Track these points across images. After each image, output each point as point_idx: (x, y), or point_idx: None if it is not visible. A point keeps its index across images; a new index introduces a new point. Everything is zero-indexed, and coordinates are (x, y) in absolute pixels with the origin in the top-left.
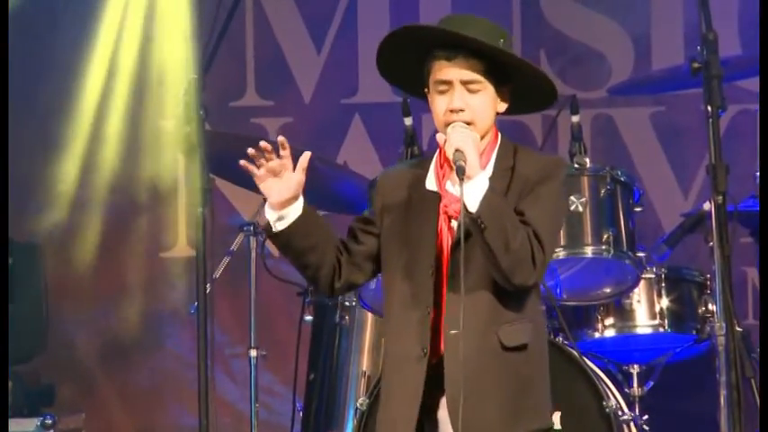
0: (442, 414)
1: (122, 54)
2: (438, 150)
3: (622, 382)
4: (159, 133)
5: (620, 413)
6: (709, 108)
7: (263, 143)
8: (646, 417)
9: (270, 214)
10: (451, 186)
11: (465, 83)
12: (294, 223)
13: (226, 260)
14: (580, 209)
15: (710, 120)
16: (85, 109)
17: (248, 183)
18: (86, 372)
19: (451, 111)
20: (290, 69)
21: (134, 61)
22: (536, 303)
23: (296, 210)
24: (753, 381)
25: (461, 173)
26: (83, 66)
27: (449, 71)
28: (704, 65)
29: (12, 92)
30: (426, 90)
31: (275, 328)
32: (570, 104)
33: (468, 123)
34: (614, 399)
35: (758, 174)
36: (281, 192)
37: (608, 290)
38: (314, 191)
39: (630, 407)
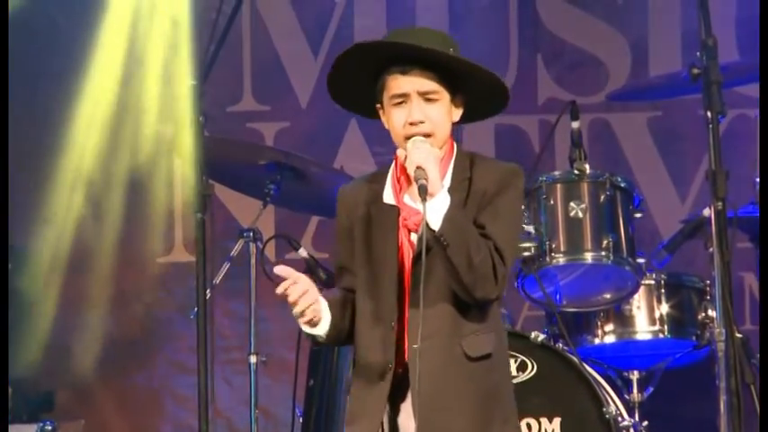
0: (404, 420)
1: (122, 60)
2: (393, 163)
3: (622, 388)
4: (158, 138)
5: (619, 419)
6: (709, 114)
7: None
8: (645, 423)
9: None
10: (411, 200)
11: (422, 94)
12: (331, 325)
13: (226, 266)
14: (580, 215)
15: (710, 125)
16: (84, 113)
17: (245, 188)
18: (85, 378)
19: (411, 123)
20: (286, 74)
21: (134, 67)
22: (497, 313)
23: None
24: (752, 386)
25: (424, 192)
26: (82, 70)
27: (405, 84)
28: (704, 70)
29: (11, 95)
30: (379, 107)
31: (275, 334)
32: (570, 110)
33: (428, 135)
34: (614, 405)
35: (757, 180)
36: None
37: (608, 296)
38: (310, 196)
39: (630, 413)
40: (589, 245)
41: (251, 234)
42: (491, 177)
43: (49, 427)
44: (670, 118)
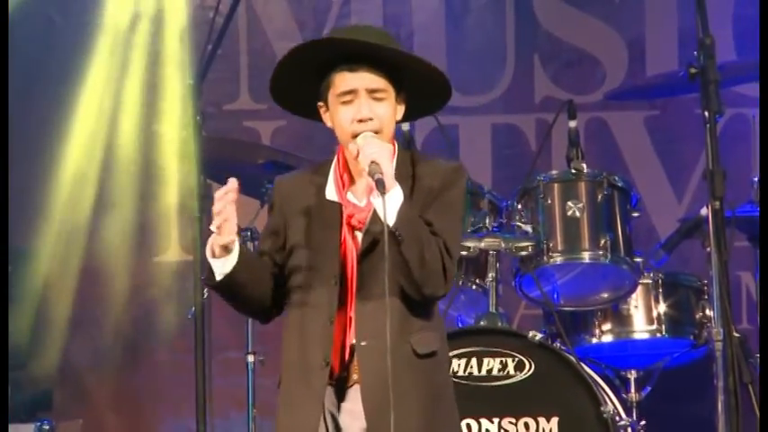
0: (346, 419)
1: (120, 59)
2: (336, 159)
3: (620, 388)
4: (155, 138)
5: (617, 418)
6: (707, 113)
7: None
8: (643, 422)
9: (216, 263)
10: (355, 198)
11: (370, 91)
12: (238, 261)
13: None
14: (577, 214)
15: (708, 125)
16: (82, 114)
17: (243, 188)
18: (83, 377)
19: (360, 120)
20: None
21: (131, 66)
22: (438, 312)
23: (234, 250)
24: (750, 386)
25: (382, 186)
26: (80, 70)
27: (353, 81)
28: (701, 70)
29: (10, 96)
30: (321, 105)
31: (272, 334)
32: (567, 109)
33: (376, 132)
34: (612, 404)
35: (756, 179)
36: (231, 232)
37: (605, 295)
38: None
39: (628, 412)
40: (586, 244)
41: (248, 233)
42: (435, 175)
43: (47, 427)
44: (667, 117)
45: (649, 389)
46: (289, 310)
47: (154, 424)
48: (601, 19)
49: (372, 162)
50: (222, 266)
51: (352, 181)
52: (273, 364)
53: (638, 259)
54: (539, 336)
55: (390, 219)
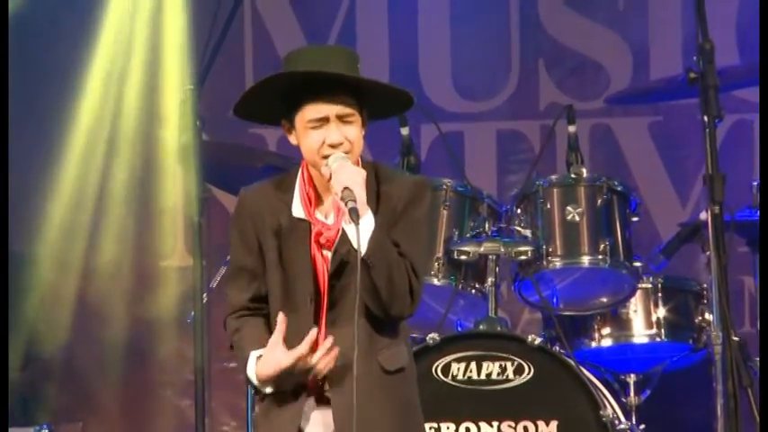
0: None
1: (121, 61)
2: (300, 175)
3: (619, 392)
4: (157, 142)
5: (616, 422)
6: (706, 118)
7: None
8: (643, 426)
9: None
10: (323, 217)
11: (340, 117)
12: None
13: (223, 269)
14: (577, 219)
15: (707, 130)
16: (83, 116)
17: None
18: (83, 380)
19: (331, 145)
20: None
21: (133, 69)
22: (406, 327)
23: None
24: (749, 390)
25: (356, 215)
26: (82, 72)
27: (324, 108)
28: (701, 75)
29: (11, 96)
30: (284, 124)
31: None
32: (567, 114)
33: (346, 153)
34: (611, 408)
35: (755, 183)
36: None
37: (605, 299)
38: None
39: (627, 416)
40: (586, 248)
41: None
42: (400, 190)
43: (47, 430)
44: (671, 123)
45: (649, 393)
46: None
47: (154, 426)
48: (605, 25)
49: (345, 188)
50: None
51: (317, 197)
52: None
53: (638, 264)
54: (538, 340)
55: (362, 246)
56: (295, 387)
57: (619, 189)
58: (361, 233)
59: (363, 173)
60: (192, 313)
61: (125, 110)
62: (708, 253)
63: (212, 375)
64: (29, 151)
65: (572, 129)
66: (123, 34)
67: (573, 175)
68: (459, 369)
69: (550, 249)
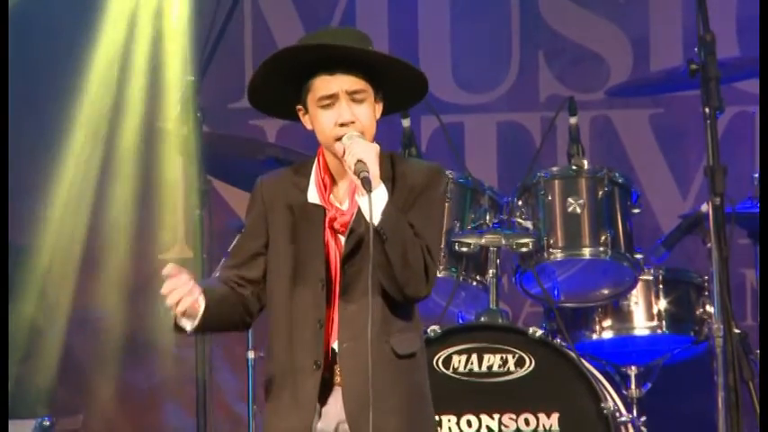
0: (326, 420)
1: (121, 56)
2: (317, 161)
3: (620, 384)
4: (158, 134)
5: (618, 414)
6: (707, 110)
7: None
8: (644, 418)
9: (184, 322)
10: (335, 200)
11: (350, 93)
12: (202, 320)
13: (224, 261)
14: (578, 210)
15: (708, 121)
16: (84, 111)
17: (246, 184)
18: (84, 373)
19: (342, 124)
20: None
21: (133, 63)
22: (418, 316)
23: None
24: (750, 383)
25: (368, 184)
26: (82, 65)
27: (333, 84)
28: (702, 66)
29: (11, 94)
30: (299, 109)
31: None
32: (568, 106)
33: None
34: (612, 400)
35: (756, 175)
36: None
37: (606, 291)
38: None
39: (628, 408)
40: (587, 240)
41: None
42: (416, 176)
43: (48, 423)
44: (672, 114)
45: (650, 385)
46: (273, 313)
47: (155, 420)
48: (606, 17)
49: (359, 161)
50: (190, 324)
51: (333, 183)
52: None
53: (639, 255)
54: (539, 332)
55: (375, 217)
56: (311, 371)
57: (620, 181)
58: (375, 204)
59: (377, 147)
60: None
61: (126, 102)
62: (709, 245)
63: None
64: (29, 144)
65: (573, 120)
66: (124, 26)
67: (574, 167)
68: (460, 361)
69: (551, 241)
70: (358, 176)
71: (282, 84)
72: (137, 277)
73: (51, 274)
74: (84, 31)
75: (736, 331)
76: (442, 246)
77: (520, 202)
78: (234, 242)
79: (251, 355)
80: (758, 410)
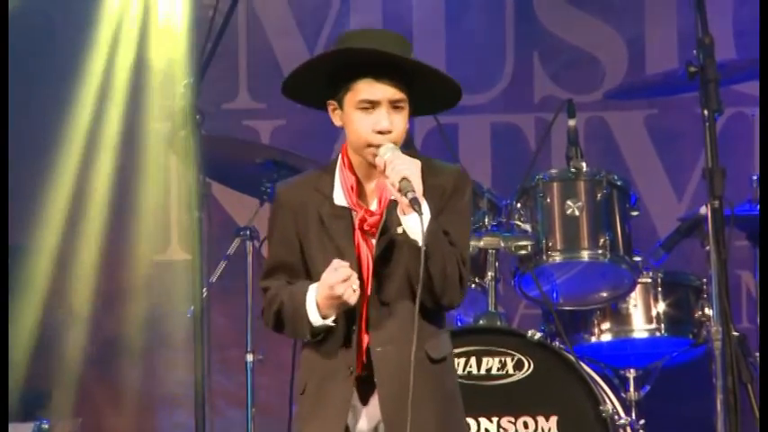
0: (363, 425)
1: (118, 58)
2: (340, 161)
3: (619, 387)
4: (154, 136)
5: (616, 417)
6: (706, 112)
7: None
8: (642, 421)
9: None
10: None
11: (392, 102)
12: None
13: (222, 264)
14: (576, 213)
15: (707, 123)
16: (81, 112)
17: (242, 186)
18: (82, 376)
19: (379, 132)
20: (282, 71)
21: (130, 65)
22: (446, 317)
23: None
24: (749, 385)
25: (418, 204)
26: (79, 69)
27: (377, 91)
28: (701, 68)
29: (10, 95)
30: (331, 103)
31: (271, 333)
32: (567, 108)
33: (393, 142)
34: (611, 403)
35: (755, 177)
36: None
37: (604, 294)
38: None
39: (627, 411)
40: (586, 243)
41: (247, 232)
42: (444, 180)
43: (46, 426)
44: (667, 116)
45: (648, 388)
46: None
47: (153, 423)
48: (600, 18)
49: (404, 179)
50: (327, 323)
51: (359, 183)
52: (272, 363)
53: (638, 258)
54: (538, 335)
55: (418, 236)
56: (345, 375)
57: (618, 183)
58: (418, 223)
59: (419, 163)
60: (192, 308)
61: (123, 104)
62: (707, 247)
63: (212, 370)
64: (27, 147)
65: (572, 123)
66: (120, 28)
67: (573, 170)
68: (458, 364)
69: (550, 244)
70: (404, 195)
71: (321, 77)
72: (133, 279)
73: (50, 275)
74: (79, 32)
75: (735, 334)
76: None
77: (518, 205)
78: (268, 254)
79: (249, 357)
80: (757, 413)
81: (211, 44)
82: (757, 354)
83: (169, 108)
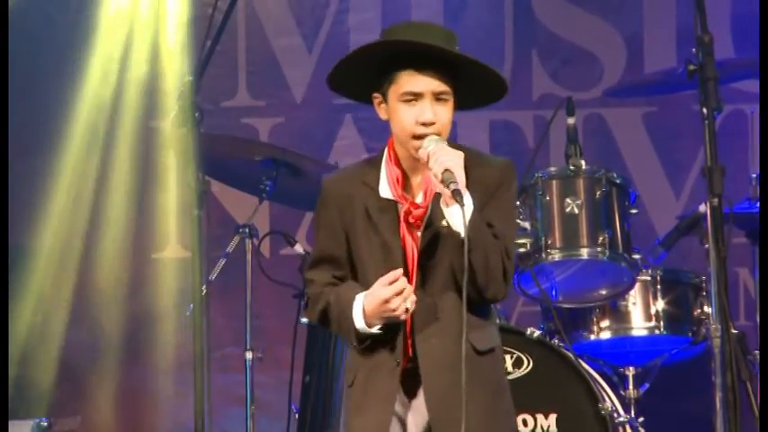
0: (412, 417)
1: (118, 56)
2: (387, 154)
3: (618, 385)
4: (153, 134)
5: (615, 415)
6: (705, 110)
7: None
8: (641, 419)
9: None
10: (405, 193)
11: (436, 94)
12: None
13: (221, 262)
14: (576, 211)
15: (706, 122)
16: (80, 111)
17: (241, 184)
18: (81, 374)
19: (423, 123)
20: (281, 69)
21: (130, 63)
22: (493, 308)
23: None
24: (748, 383)
25: (460, 196)
26: (78, 67)
27: (420, 83)
28: (700, 67)
29: (10, 94)
30: (376, 97)
31: (271, 331)
32: (566, 106)
33: (437, 134)
34: (610, 401)
35: (754, 175)
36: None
37: (604, 292)
38: (305, 192)
39: (626, 409)
40: (585, 241)
41: (247, 230)
42: (491, 172)
43: (45, 424)
44: (665, 114)
45: (647, 386)
46: None
47: (152, 421)
48: (599, 16)
49: (446, 170)
50: (373, 331)
51: (404, 176)
52: (271, 361)
53: (637, 256)
54: (537, 332)
55: (461, 228)
56: (391, 368)
57: (618, 181)
58: (461, 216)
59: (462, 155)
60: (191, 306)
61: (123, 102)
62: (707, 245)
63: (211, 368)
64: (27, 147)
65: (571, 121)
66: (122, 27)
67: (572, 167)
68: None
69: (549, 241)
70: (446, 186)
71: (365, 70)
72: (131, 277)
73: (50, 275)
74: (81, 30)
75: (734, 331)
76: None
77: (518, 203)
78: (315, 246)
79: (248, 355)
80: (756, 411)
81: (211, 42)
82: (756, 351)
83: (169, 106)
